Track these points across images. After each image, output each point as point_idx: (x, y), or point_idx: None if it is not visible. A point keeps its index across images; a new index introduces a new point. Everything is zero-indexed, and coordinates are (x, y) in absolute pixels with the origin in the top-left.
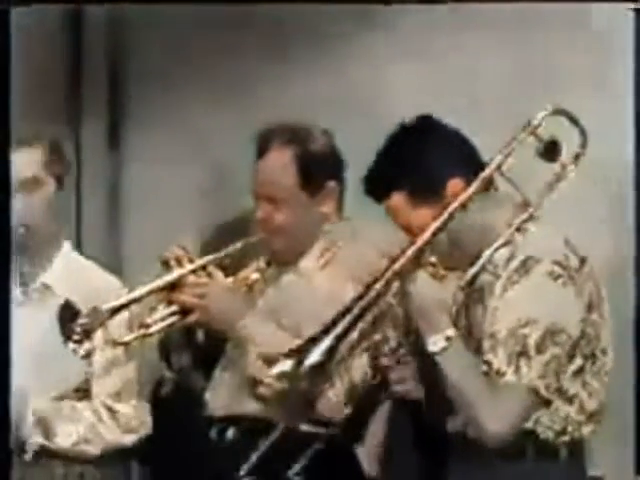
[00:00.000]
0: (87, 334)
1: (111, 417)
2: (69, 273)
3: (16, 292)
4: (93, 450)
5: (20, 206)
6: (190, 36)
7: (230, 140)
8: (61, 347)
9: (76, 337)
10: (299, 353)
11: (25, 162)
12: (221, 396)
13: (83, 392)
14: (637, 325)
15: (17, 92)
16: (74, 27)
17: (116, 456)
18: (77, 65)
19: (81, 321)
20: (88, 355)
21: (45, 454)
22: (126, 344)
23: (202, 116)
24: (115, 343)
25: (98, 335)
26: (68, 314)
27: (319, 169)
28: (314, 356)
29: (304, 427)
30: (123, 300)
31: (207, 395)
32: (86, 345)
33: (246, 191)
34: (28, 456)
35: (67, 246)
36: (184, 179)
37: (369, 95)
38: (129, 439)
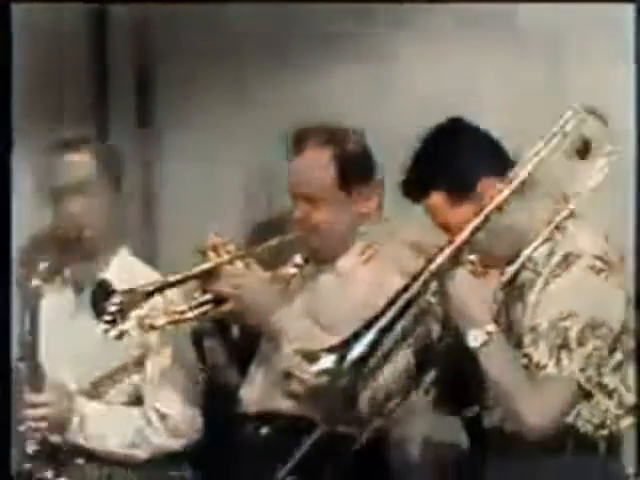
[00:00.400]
0: (121, 315)
1: (160, 421)
2: (124, 276)
3: (70, 296)
4: (141, 454)
5: (74, 209)
6: (216, 35)
7: (261, 140)
8: (113, 351)
9: (108, 317)
10: (341, 349)
11: (77, 165)
12: (255, 393)
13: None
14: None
15: (47, 92)
16: (100, 28)
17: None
18: (104, 66)
19: (115, 300)
20: (120, 336)
21: (85, 456)
22: (159, 328)
23: (233, 115)
24: (148, 327)
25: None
26: (102, 293)
27: (358, 169)
28: (356, 352)
29: (341, 428)
30: (158, 283)
31: (242, 392)
32: (119, 326)
33: (283, 190)
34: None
35: (124, 251)
36: (217, 179)
37: (397, 95)
38: (178, 443)
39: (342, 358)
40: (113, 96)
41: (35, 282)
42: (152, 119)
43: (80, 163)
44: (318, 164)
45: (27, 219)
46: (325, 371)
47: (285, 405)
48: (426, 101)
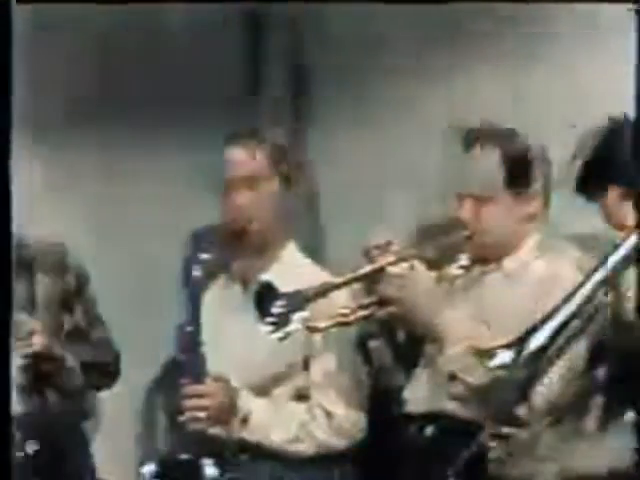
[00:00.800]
0: (285, 317)
1: (325, 417)
2: (291, 272)
3: (237, 292)
4: (306, 449)
5: (241, 202)
6: (379, 33)
7: (421, 139)
8: (279, 349)
9: (272, 319)
10: (518, 344)
11: (246, 158)
12: (420, 393)
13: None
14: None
15: (202, 90)
16: (255, 27)
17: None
18: (257, 65)
19: (280, 303)
20: (284, 338)
21: (250, 452)
22: (322, 330)
23: (388, 115)
24: (312, 329)
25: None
26: (267, 295)
27: (526, 169)
28: (532, 346)
29: (505, 430)
30: (323, 286)
31: (406, 392)
32: (284, 328)
33: (447, 191)
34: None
35: (291, 246)
36: (381, 178)
37: (559, 95)
38: (341, 442)
39: (519, 353)
40: (267, 94)
41: (197, 272)
42: (308, 117)
43: (249, 156)
44: (487, 163)
45: None
46: (502, 366)
47: (450, 406)
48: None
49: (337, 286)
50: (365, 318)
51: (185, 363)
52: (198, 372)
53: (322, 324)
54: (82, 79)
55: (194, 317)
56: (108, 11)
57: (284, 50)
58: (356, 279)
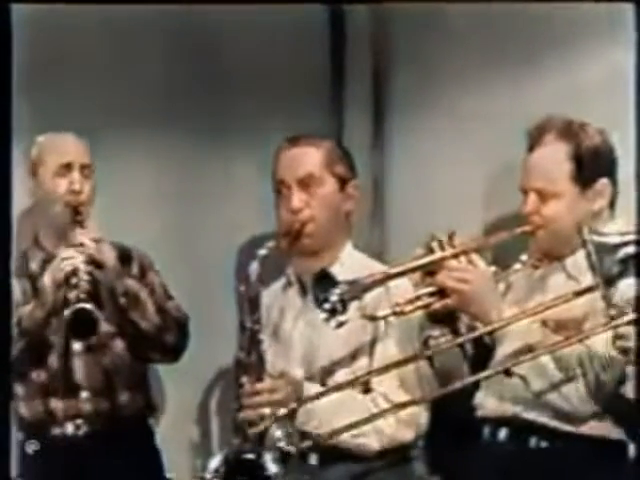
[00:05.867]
0: (342, 305)
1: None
2: (351, 273)
3: (295, 293)
4: (372, 444)
5: (296, 203)
6: (449, 35)
7: (499, 133)
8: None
9: (329, 306)
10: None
11: (302, 159)
12: (492, 396)
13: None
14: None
15: (284, 92)
16: (339, 30)
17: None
18: (341, 63)
19: (337, 291)
20: (340, 326)
21: (318, 453)
22: (379, 319)
23: (469, 111)
24: (368, 317)
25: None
26: (325, 283)
27: (593, 165)
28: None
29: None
30: (380, 275)
31: (478, 396)
32: (339, 317)
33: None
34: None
35: (349, 247)
36: (450, 175)
37: None
38: (408, 434)
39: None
40: (349, 97)
41: (254, 268)
42: (387, 120)
43: (305, 157)
44: (555, 157)
45: None
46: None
47: (518, 409)
48: None
49: (395, 275)
50: (422, 308)
51: (245, 361)
52: (259, 370)
53: (379, 313)
54: (150, 80)
55: (253, 315)
56: (170, 11)
57: (367, 47)
58: (414, 269)
